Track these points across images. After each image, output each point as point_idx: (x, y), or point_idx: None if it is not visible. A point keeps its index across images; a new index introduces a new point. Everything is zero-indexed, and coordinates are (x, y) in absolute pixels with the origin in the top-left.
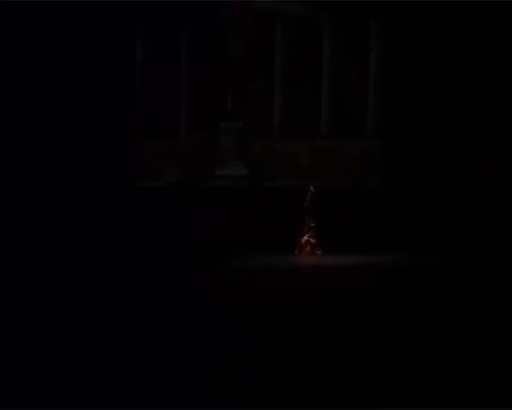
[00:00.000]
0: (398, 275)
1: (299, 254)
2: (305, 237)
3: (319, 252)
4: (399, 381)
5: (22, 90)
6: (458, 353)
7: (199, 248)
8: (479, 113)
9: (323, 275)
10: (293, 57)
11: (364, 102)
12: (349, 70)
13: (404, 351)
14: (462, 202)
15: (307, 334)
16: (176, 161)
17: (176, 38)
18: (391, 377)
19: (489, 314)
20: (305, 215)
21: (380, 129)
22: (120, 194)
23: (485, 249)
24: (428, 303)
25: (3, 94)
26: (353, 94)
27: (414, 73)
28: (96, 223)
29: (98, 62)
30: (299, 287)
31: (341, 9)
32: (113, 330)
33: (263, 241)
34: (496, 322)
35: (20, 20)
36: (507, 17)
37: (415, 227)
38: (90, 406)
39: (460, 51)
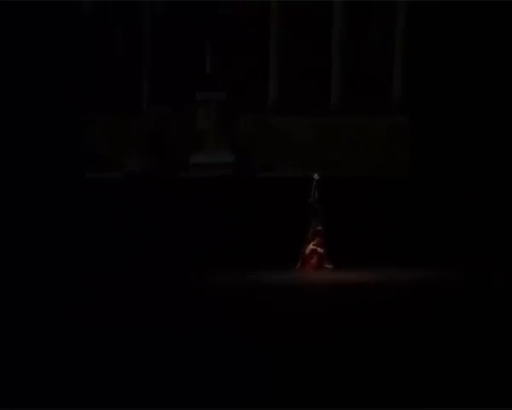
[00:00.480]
0: (436, 302)
1: (302, 269)
2: (311, 246)
3: (328, 265)
4: None
5: None
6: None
7: (170, 260)
8: None
9: (335, 298)
10: (293, 11)
11: (387, 66)
12: (368, 28)
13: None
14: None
15: (318, 385)
16: (138, 145)
17: None
18: None
19: None
20: (309, 216)
21: (408, 101)
22: (60, 187)
23: None
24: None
25: None
26: (373, 57)
27: (450, 31)
28: (25, 226)
29: (29, 12)
30: (304, 314)
31: None
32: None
33: (255, 251)
34: None
35: None
36: None
37: (451, 232)
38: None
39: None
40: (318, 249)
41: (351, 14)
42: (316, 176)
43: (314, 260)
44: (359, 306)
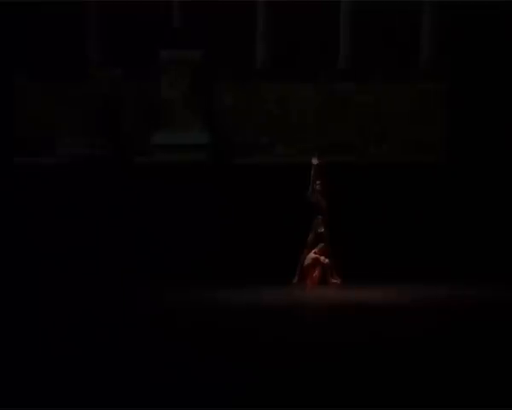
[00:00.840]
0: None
1: (300, 285)
2: (312, 255)
3: (335, 280)
4: None
5: None
6: None
7: (121, 272)
8: None
9: (344, 325)
10: None
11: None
12: None
13: None
14: None
15: None
16: (85, 120)
17: None
18: None
19: None
20: (309, 215)
21: (443, 65)
22: None
23: None
24: None
25: None
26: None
27: None
28: None
29: None
30: (299, 347)
31: None
32: None
33: (236, 260)
34: None
35: None
36: None
37: (497, 234)
38: None
39: None
40: (321, 259)
41: None
42: (315, 161)
43: (316, 273)
44: (378, 338)
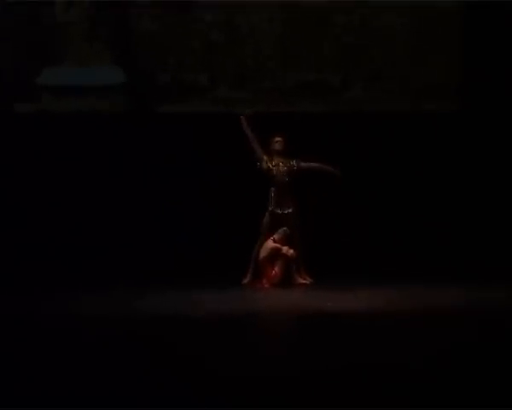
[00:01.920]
0: None
1: (254, 285)
2: (269, 243)
3: (304, 279)
4: None
5: None
6: None
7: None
8: None
9: (312, 341)
10: None
11: None
12: None
13: None
14: None
15: None
16: None
17: None
18: None
19: None
20: (268, 191)
21: None
22: None
23: None
24: None
25: None
26: None
27: None
28: None
29: None
30: (250, 374)
31: None
32: None
33: (166, 253)
34: None
35: None
36: None
37: None
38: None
39: None
40: (284, 249)
41: None
42: (249, 111)
43: (275, 269)
44: (360, 362)
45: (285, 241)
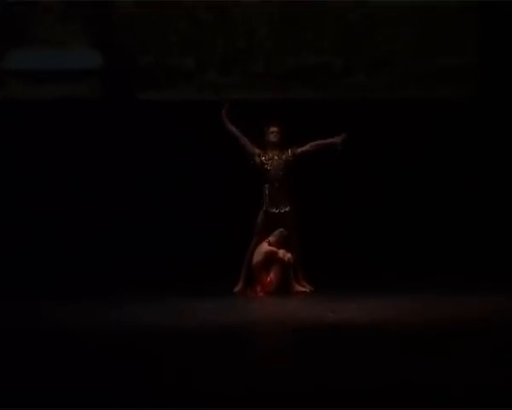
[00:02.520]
0: None
1: (247, 293)
2: (264, 246)
3: (302, 287)
4: None
5: None
6: None
7: None
8: None
9: (313, 363)
10: None
11: None
12: None
13: None
14: None
15: None
16: None
17: None
18: None
19: None
20: (262, 188)
21: None
22: None
23: None
24: None
25: None
26: None
27: None
28: None
29: None
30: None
31: None
32: None
33: (150, 258)
34: None
35: None
36: None
37: None
38: None
39: None
40: (280, 253)
41: None
42: (226, 105)
43: (271, 275)
44: (365, 380)
45: (281, 244)
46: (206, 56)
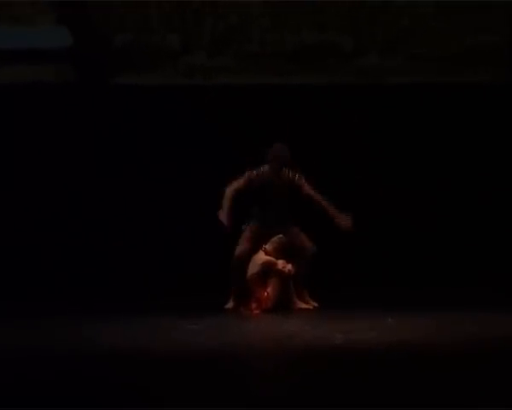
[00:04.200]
0: None
1: (240, 311)
2: (260, 256)
3: (305, 304)
4: None
5: None
6: None
7: None
8: None
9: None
10: None
11: None
12: None
13: None
14: None
15: None
16: None
17: None
18: None
19: None
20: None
21: None
22: None
23: None
24: None
25: None
26: None
27: None
28: None
29: None
30: None
31: None
32: None
33: (126, 267)
34: None
35: None
36: None
37: None
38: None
39: None
40: (279, 264)
41: None
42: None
43: (268, 289)
44: None
45: (281, 252)
46: (193, 35)
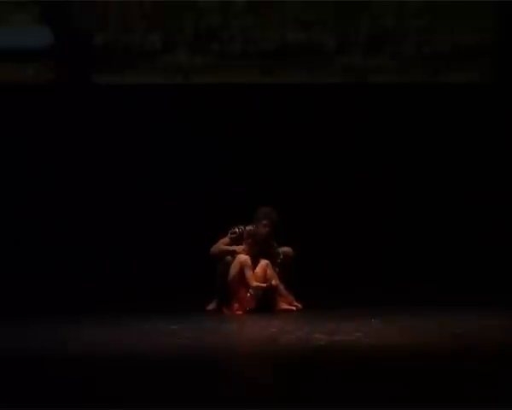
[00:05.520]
0: None
1: (222, 312)
2: (242, 257)
3: (288, 304)
4: None
5: None
6: None
7: None
8: None
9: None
10: None
11: None
12: None
13: None
14: None
15: None
16: None
17: None
18: None
19: None
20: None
21: None
22: None
23: None
24: None
25: None
26: None
27: None
28: None
29: None
30: None
31: None
32: None
33: (105, 268)
34: None
35: None
36: None
37: None
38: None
39: None
40: (263, 264)
41: None
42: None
43: (251, 290)
44: None
45: (266, 241)
46: (175, 33)
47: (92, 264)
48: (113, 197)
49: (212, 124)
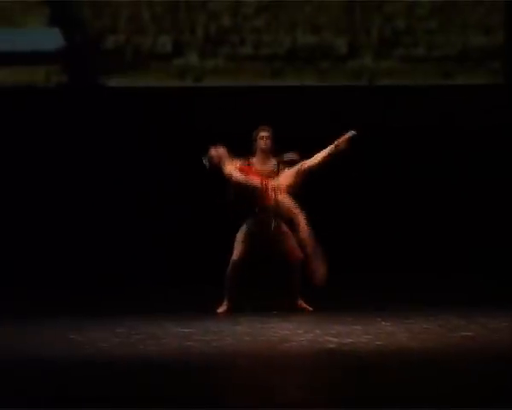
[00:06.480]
0: None
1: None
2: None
3: (298, 305)
4: None
5: None
6: None
7: None
8: None
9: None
10: None
11: None
12: None
13: None
14: None
15: None
16: None
17: None
18: None
19: None
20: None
21: None
22: None
23: None
24: None
25: None
26: None
27: None
28: None
29: None
30: None
31: None
32: None
33: (107, 266)
34: None
35: None
36: None
37: None
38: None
39: None
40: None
41: None
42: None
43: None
44: None
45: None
46: (185, 36)
47: (95, 264)
48: (123, 199)
49: (223, 126)
